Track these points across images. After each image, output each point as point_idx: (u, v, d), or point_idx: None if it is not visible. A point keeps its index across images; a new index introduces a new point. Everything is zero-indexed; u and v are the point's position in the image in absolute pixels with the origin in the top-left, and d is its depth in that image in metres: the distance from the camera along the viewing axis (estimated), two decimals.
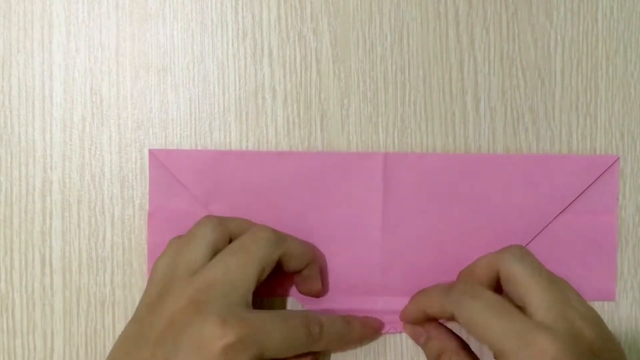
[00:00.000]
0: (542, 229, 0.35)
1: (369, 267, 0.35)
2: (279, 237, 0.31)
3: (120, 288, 0.36)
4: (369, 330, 0.35)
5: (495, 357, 0.28)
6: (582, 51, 0.36)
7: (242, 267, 0.29)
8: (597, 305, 0.36)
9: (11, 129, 0.36)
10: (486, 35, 0.36)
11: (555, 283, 0.30)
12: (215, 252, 0.30)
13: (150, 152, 0.35)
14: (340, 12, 0.36)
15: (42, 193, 0.36)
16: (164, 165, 0.35)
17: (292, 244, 0.32)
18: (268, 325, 0.28)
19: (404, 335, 0.36)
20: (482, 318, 0.28)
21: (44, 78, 0.36)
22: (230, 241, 0.31)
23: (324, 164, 0.35)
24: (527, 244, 0.35)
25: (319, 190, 0.35)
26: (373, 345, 0.36)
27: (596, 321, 0.29)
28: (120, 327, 0.34)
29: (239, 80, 0.36)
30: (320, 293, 0.35)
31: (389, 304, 0.35)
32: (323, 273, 0.35)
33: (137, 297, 0.33)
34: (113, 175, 0.36)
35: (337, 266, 0.35)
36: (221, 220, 0.32)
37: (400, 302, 0.35)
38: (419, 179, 0.35)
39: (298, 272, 0.33)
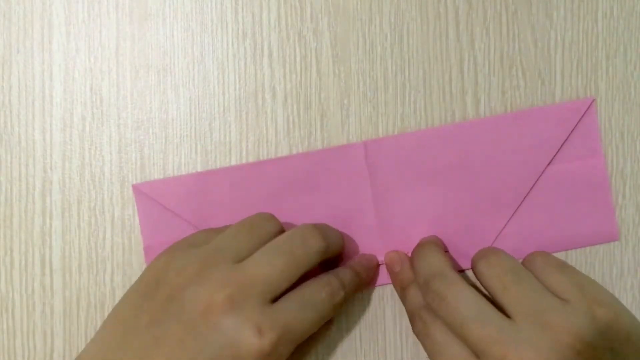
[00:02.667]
0: (533, 185, 0.35)
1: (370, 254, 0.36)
2: (328, 246, 0.31)
3: (120, 288, 0.36)
4: (371, 272, 0.35)
5: None
6: (582, 51, 0.36)
7: (286, 272, 0.29)
8: None
9: (11, 129, 0.36)
10: (486, 35, 0.36)
11: (525, 282, 0.30)
12: (264, 244, 0.31)
13: (134, 187, 0.35)
14: (340, 12, 0.36)
15: (42, 193, 0.36)
16: (150, 198, 0.35)
17: (335, 247, 0.33)
18: (300, 319, 0.29)
19: (404, 335, 0.36)
20: (431, 354, 0.30)
21: (44, 78, 0.36)
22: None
23: (307, 164, 0.35)
24: (521, 202, 0.35)
25: (308, 191, 0.35)
26: (373, 345, 0.36)
27: (588, 305, 0.29)
28: None
29: (239, 80, 0.36)
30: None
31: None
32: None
33: None
34: (113, 175, 0.36)
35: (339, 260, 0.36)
36: (278, 220, 0.32)
37: None
38: (402, 159, 0.35)
39: None
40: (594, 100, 0.36)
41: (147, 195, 0.35)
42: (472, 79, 0.36)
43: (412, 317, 0.32)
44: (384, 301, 0.36)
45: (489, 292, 0.31)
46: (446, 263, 0.32)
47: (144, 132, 0.36)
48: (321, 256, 0.31)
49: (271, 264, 0.29)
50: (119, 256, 0.36)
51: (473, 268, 0.32)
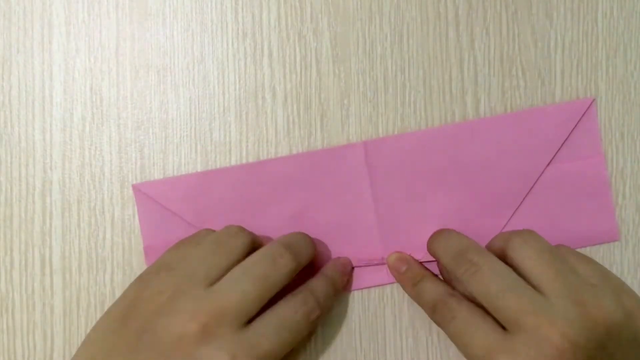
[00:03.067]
0: (533, 185, 0.35)
1: (371, 255, 0.35)
2: (299, 264, 0.31)
3: (120, 288, 0.36)
4: (346, 277, 0.35)
5: None
6: (582, 51, 0.36)
7: (258, 297, 0.29)
8: None
9: (11, 129, 0.36)
10: (486, 35, 0.36)
11: (509, 291, 0.30)
12: (237, 263, 0.31)
13: (134, 187, 0.35)
14: (340, 12, 0.36)
15: (42, 193, 0.36)
16: (150, 198, 0.35)
17: (306, 260, 0.32)
18: (275, 344, 0.29)
19: (404, 335, 0.36)
20: (460, 338, 0.30)
21: (44, 78, 0.36)
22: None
23: (307, 164, 0.35)
24: (521, 202, 0.35)
25: (308, 191, 0.35)
26: (373, 345, 0.36)
27: (575, 299, 0.29)
28: None
29: (239, 80, 0.36)
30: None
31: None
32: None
33: None
34: (113, 175, 0.36)
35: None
36: (247, 232, 0.32)
37: None
38: (402, 159, 0.35)
39: None
40: (594, 100, 0.36)
41: (147, 195, 0.35)
42: (472, 79, 0.36)
43: (435, 306, 0.32)
44: (384, 301, 0.36)
45: (520, 268, 0.30)
46: (474, 241, 0.32)
47: (144, 132, 0.36)
48: (292, 275, 0.31)
49: (242, 290, 0.29)
50: (119, 256, 0.36)
51: (507, 242, 0.32)
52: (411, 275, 0.34)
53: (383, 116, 0.36)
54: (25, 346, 0.36)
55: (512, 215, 0.35)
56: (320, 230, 0.35)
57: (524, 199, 0.35)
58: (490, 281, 0.29)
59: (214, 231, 0.33)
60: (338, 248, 0.36)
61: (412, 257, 0.35)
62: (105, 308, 0.36)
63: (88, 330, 0.35)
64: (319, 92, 0.36)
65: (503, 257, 0.31)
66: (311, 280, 0.33)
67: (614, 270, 0.36)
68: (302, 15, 0.36)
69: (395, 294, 0.36)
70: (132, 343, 0.28)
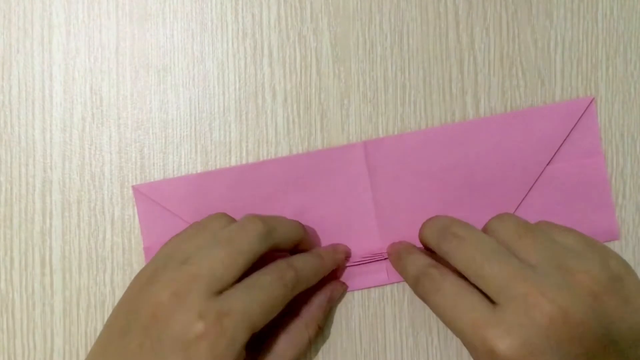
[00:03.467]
0: (533, 184, 0.35)
1: (371, 255, 0.35)
2: (269, 230, 0.31)
3: (120, 288, 0.36)
4: (339, 254, 0.35)
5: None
6: (582, 51, 0.36)
7: (228, 261, 0.29)
8: None
9: (11, 129, 0.36)
10: (486, 35, 0.36)
11: (494, 259, 0.29)
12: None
13: (134, 188, 0.36)
14: (340, 12, 0.36)
15: (42, 193, 0.36)
16: (150, 199, 0.35)
17: (281, 232, 0.32)
18: (246, 303, 0.28)
19: (404, 335, 0.36)
20: (444, 311, 0.29)
21: (44, 78, 0.36)
22: None
23: (307, 164, 0.35)
24: (521, 200, 0.35)
25: (308, 191, 0.35)
26: (373, 345, 0.36)
27: (558, 264, 0.28)
28: None
29: (239, 80, 0.36)
30: None
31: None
32: (313, 243, 0.35)
33: None
34: (113, 175, 0.36)
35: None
36: (230, 217, 0.32)
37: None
38: (402, 159, 0.35)
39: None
40: (593, 99, 0.36)
41: (146, 196, 0.35)
42: (472, 79, 0.36)
43: (418, 277, 0.31)
44: (384, 301, 0.36)
45: (502, 244, 0.30)
46: (458, 219, 0.32)
47: (144, 132, 0.36)
48: (264, 241, 0.30)
49: (212, 255, 0.29)
50: (119, 256, 0.36)
51: (486, 229, 0.31)
52: (401, 247, 0.34)
53: (383, 116, 0.36)
54: (25, 346, 0.36)
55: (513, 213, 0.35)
56: (321, 230, 0.35)
57: (524, 197, 0.35)
58: (475, 250, 0.29)
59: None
60: None
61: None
62: (106, 308, 0.36)
63: (88, 330, 0.36)
64: (319, 92, 0.36)
65: None
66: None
67: None
68: (302, 15, 0.36)
69: (395, 294, 0.36)
70: (124, 327, 0.29)
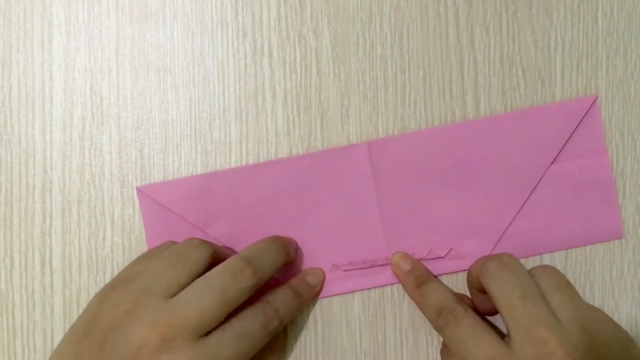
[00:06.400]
0: (537, 184, 0.35)
1: (375, 254, 0.35)
2: (259, 280, 0.31)
3: None
4: (316, 288, 0.36)
5: None
6: (582, 51, 0.36)
7: (216, 310, 0.29)
8: (597, 306, 0.36)
9: (11, 129, 0.36)
10: (486, 35, 0.36)
11: (530, 299, 0.30)
12: (197, 276, 0.31)
13: (138, 189, 0.35)
14: (340, 12, 0.36)
15: (42, 193, 0.36)
16: (155, 200, 0.35)
17: (268, 274, 0.32)
18: (234, 353, 0.29)
19: (404, 335, 0.36)
20: (462, 344, 0.30)
21: (44, 78, 0.36)
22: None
23: (311, 165, 0.35)
24: (525, 200, 0.35)
25: (311, 191, 0.35)
26: (373, 345, 0.36)
27: (582, 325, 0.29)
28: None
29: (239, 80, 0.36)
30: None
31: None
32: (291, 254, 0.35)
33: None
34: (113, 175, 0.36)
35: (345, 262, 0.36)
36: (208, 245, 0.32)
37: None
38: (405, 159, 0.35)
39: None
40: (596, 98, 0.36)
41: (151, 197, 0.35)
42: (472, 79, 0.36)
43: (441, 310, 0.32)
44: (384, 301, 0.36)
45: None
46: None
47: (144, 132, 0.36)
48: (252, 291, 0.31)
49: (201, 303, 0.29)
50: (119, 256, 0.36)
51: (533, 273, 0.32)
52: (416, 275, 0.34)
53: (383, 116, 0.36)
54: (25, 346, 0.36)
55: (517, 214, 0.35)
56: (324, 230, 0.35)
57: (528, 197, 0.35)
58: (516, 284, 0.30)
59: (177, 243, 0.33)
60: (342, 248, 0.36)
61: (416, 259, 0.35)
62: None
63: None
64: (319, 92, 0.36)
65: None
66: (272, 291, 0.33)
67: (614, 271, 0.36)
68: (302, 15, 0.36)
69: (395, 294, 0.36)
70: (95, 355, 0.29)
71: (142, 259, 0.33)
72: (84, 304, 0.36)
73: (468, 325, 0.31)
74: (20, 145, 0.36)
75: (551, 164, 0.35)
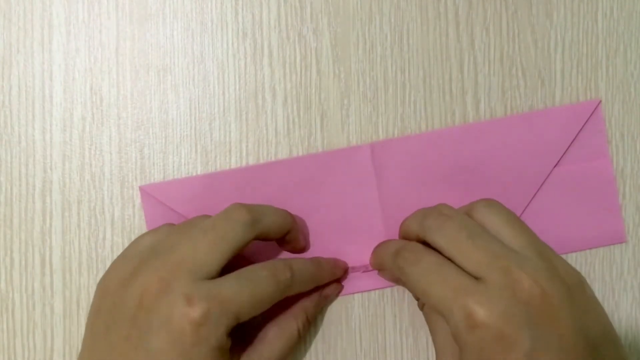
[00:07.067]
0: (540, 187, 0.35)
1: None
2: (255, 218, 0.31)
3: None
4: (338, 269, 0.35)
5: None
6: (582, 51, 0.36)
7: (211, 248, 0.29)
8: None
9: (11, 129, 0.36)
10: (486, 35, 0.36)
11: (479, 237, 0.29)
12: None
13: (141, 189, 0.35)
14: (340, 12, 0.36)
15: (42, 193, 0.36)
16: (157, 199, 0.35)
17: (268, 221, 0.31)
18: (235, 290, 0.28)
19: (404, 335, 0.36)
20: (425, 281, 0.28)
21: (44, 78, 0.36)
22: None
23: (314, 166, 0.35)
24: (527, 204, 0.35)
25: (314, 193, 0.35)
26: (373, 345, 0.36)
27: (539, 251, 0.29)
28: None
29: (239, 80, 0.36)
30: (304, 250, 0.35)
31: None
32: (304, 232, 0.35)
33: None
34: (113, 175, 0.36)
35: (347, 263, 0.36)
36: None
37: None
38: (408, 160, 0.35)
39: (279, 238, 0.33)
40: (600, 102, 0.36)
41: (153, 196, 0.35)
42: (472, 79, 0.36)
43: (397, 251, 0.31)
44: (384, 301, 0.36)
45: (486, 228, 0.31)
46: None
47: (144, 132, 0.36)
48: (249, 229, 0.30)
49: (196, 242, 0.29)
50: None
51: (471, 208, 0.31)
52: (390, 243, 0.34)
53: (383, 116, 0.36)
54: (25, 346, 0.36)
55: (519, 217, 0.35)
56: (327, 232, 0.35)
57: (530, 201, 0.35)
58: (461, 228, 0.29)
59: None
60: (344, 249, 0.36)
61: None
62: None
63: None
64: (319, 92, 0.36)
65: None
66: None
67: (614, 271, 0.36)
68: (302, 15, 0.36)
69: (395, 294, 0.36)
70: (109, 322, 0.29)
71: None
72: (84, 304, 0.36)
73: (431, 261, 0.29)
74: (20, 145, 0.36)
75: (555, 167, 0.35)
